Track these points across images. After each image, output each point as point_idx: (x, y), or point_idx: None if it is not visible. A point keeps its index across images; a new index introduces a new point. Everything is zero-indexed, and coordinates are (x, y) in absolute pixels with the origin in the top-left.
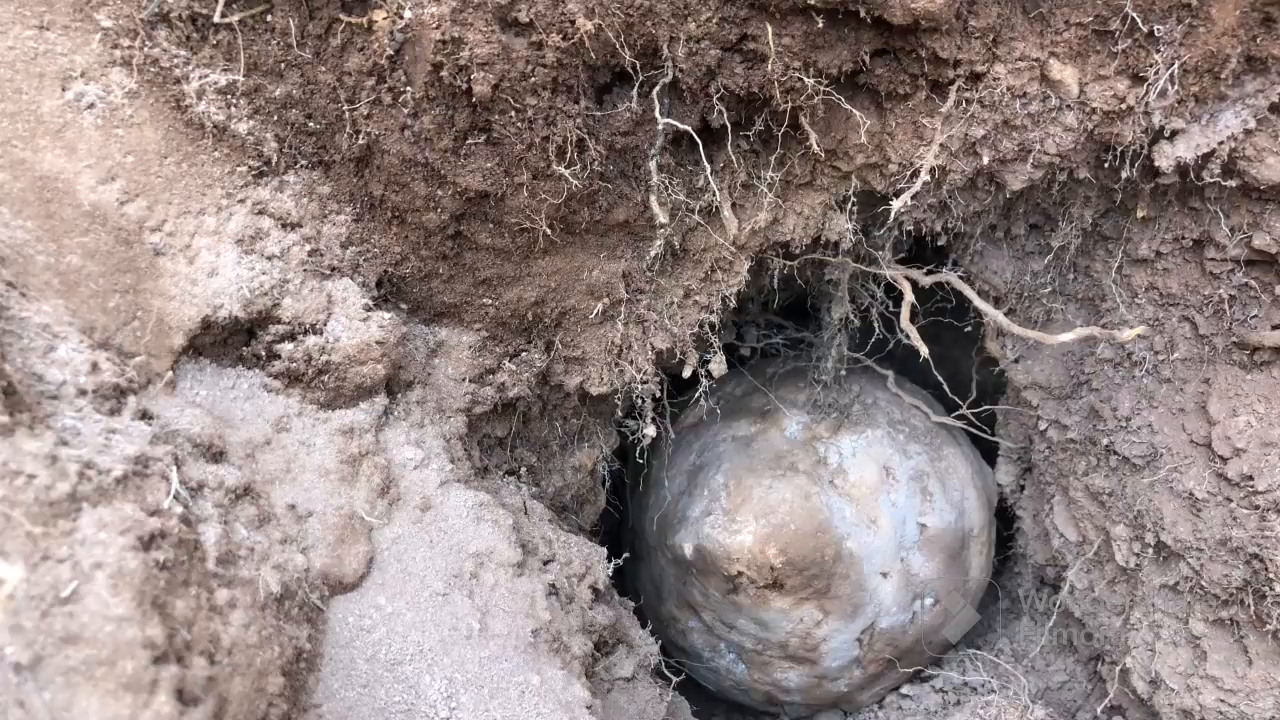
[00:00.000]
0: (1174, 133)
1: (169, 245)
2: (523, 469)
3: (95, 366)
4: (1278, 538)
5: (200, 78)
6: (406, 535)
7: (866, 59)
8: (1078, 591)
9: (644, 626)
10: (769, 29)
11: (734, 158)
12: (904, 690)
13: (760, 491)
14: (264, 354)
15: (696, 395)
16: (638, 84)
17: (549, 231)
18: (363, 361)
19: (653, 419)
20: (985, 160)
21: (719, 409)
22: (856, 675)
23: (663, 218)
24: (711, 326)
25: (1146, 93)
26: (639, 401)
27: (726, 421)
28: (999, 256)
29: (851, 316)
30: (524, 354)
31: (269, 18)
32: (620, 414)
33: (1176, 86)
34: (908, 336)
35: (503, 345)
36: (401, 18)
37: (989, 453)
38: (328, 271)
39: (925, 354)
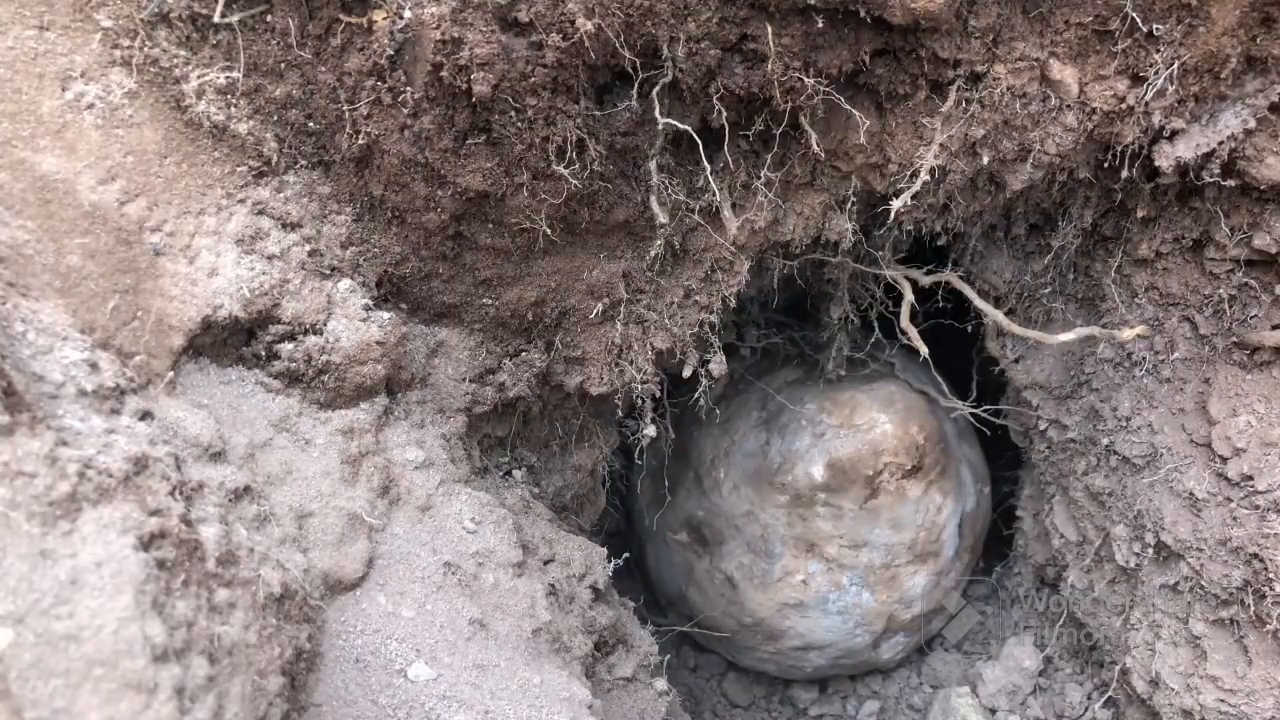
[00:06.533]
0: (1174, 133)
1: (169, 245)
2: (523, 469)
3: (95, 367)
4: (1278, 537)
5: (200, 78)
6: (407, 535)
7: (866, 59)
8: (1077, 591)
9: (644, 625)
10: (769, 29)
11: (734, 158)
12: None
13: (863, 396)
14: (264, 354)
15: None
16: (638, 84)
17: (549, 232)
18: (363, 361)
19: (653, 419)
20: (985, 160)
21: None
22: (956, 570)
23: (663, 218)
24: (711, 326)
25: (1146, 93)
26: (639, 401)
27: (763, 379)
28: (999, 256)
29: (851, 316)
30: (524, 354)
31: (269, 18)
32: (620, 414)
33: (1176, 86)
34: (907, 337)
35: (503, 345)
36: (401, 18)
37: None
38: (328, 271)
39: (925, 354)
